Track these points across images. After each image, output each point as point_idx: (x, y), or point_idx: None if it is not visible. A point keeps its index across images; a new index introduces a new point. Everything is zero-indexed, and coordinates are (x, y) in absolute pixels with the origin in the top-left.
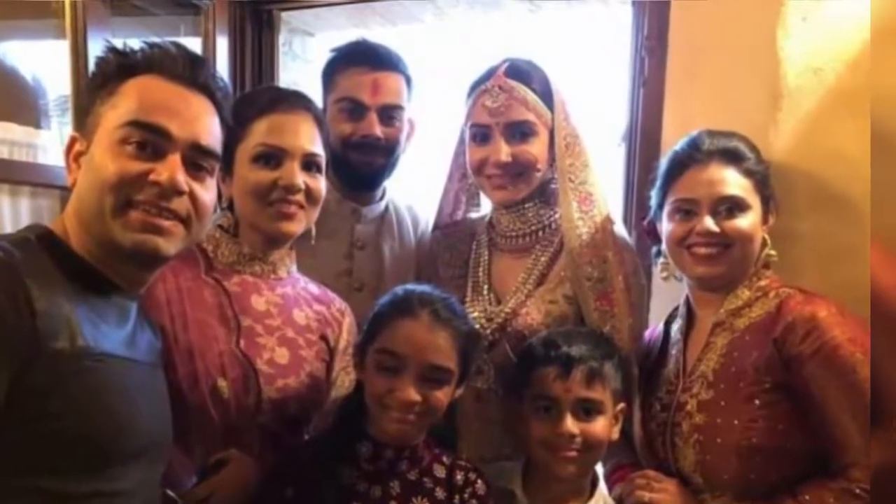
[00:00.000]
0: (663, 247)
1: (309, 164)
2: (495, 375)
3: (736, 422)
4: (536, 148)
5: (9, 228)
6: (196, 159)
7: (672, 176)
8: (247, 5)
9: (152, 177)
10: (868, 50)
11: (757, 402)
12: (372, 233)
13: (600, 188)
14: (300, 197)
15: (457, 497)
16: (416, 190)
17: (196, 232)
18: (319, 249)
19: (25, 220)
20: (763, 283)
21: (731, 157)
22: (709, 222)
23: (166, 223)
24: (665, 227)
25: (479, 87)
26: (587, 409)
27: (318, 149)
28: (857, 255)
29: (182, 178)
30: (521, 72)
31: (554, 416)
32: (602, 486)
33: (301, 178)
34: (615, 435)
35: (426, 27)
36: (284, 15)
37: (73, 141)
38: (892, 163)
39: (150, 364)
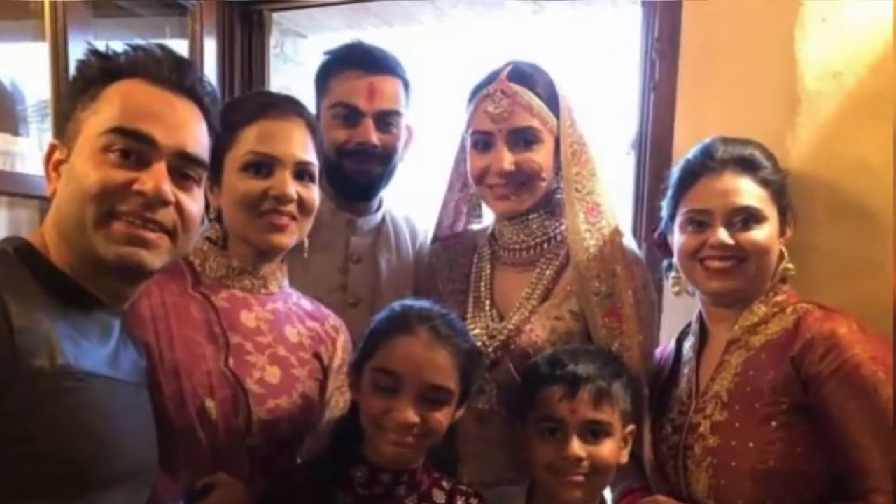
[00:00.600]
0: (675, 260)
1: (301, 172)
2: (498, 396)
3: (751, 444)
4: (541, 156)
5: None
6: (182, 168)
7: (684, 185)
8: (236, 5)
9: (136, 186)
10: (890, 52)
11: (774, 423)
12: (368, 245)
13: (608, 198)
14: (292, 207)
15: None
16: (414, 200)
17: (182, 244)
18: (313, 263)
19: (3, 232)
20: (780, 298)
21: (747, 166)
22: (723, 234)
23: (151, 235)
24: (677, 239)
25: (480, 92)
26: (595, 432)
27: (310, 157)
28: (879, 269)
29: (168, 188)
30: (524, 76)
31: (559, 438)
32: None
33: (293, 188)
34: (624, 458)
35: (425, 28)
36: (276, 15)
37: (52, 149)
38: None
39: (135, 384)
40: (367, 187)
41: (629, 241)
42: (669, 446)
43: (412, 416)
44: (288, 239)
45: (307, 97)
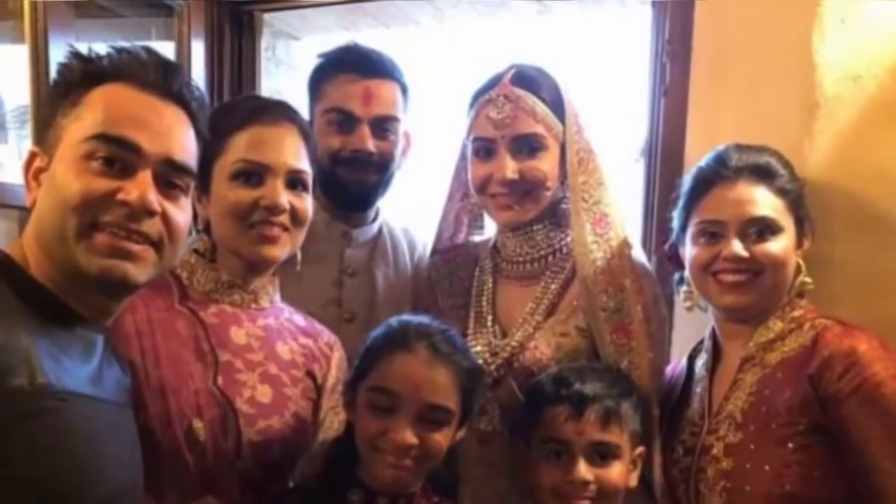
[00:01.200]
0: (686, 273)
1: (294, 181)
2: (500, 416)
3: (767, 467)
4: (546, 164)
5: None
6: (169, 177)
7: (696, 195)
8: (225, 6)
9: (120, 196)
10: None
11: (790, 445)
12: (364, 258)
13: (617, 209)
14: (284, 218)
15: None
16: (412, 211)
17: (169, 257)
18: (306, 276)
19: None
20: (797, 313)
21: (762, 174)
22: (737, 246)
23: (136, 247)
24: (688, 251)
25: (482, 97)
26: (602, 454)
27: (303, 165)
28: None
29: (154, 198)
30: (528, 79)
31: (565, 460)
32: None
33: (285, 198)
34: (633, 482)
35: (423, 30)
36: (267, 16)
37: (32, 156)
38: None
39: (119, 403)
40: (363, 197)
41: (638, 254)
42: (681, 469)
43: (410, 438)
44: (280, 251)
45: (300, 102)
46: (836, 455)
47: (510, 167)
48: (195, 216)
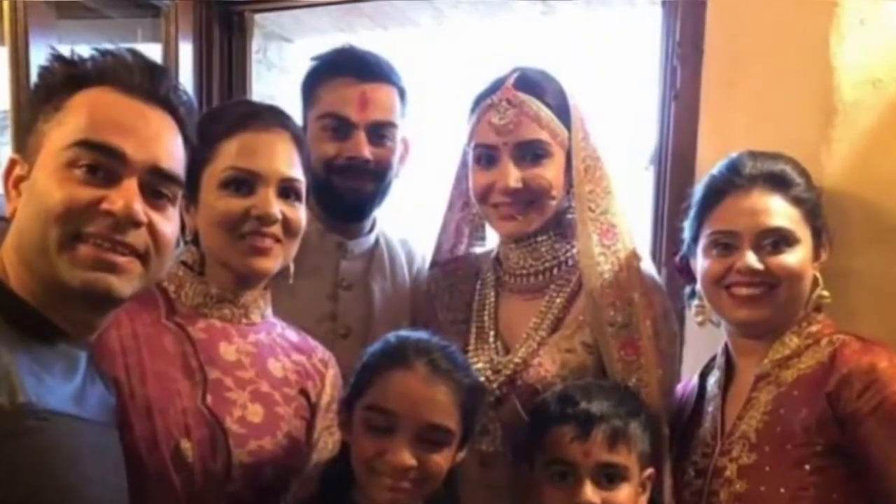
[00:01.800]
0: (698, 287)
1: (286, 190)
2: (503, 436)
3: (783, 490)
4: (551, 172)
5: None
6: (156, 185)
7: (708, 204)
8: (214, 6)
9: (105, 205)
10: None
11: (807, 466)
12: (360, 271)
13: (625, 219)
14: (276, 229)
15: None
16: (410, 221)
17: (155, 270)
18: (299, 290)
19: None
20: (814, 328)
21: (777, 183)
22: (751, 258)
23: (121, 259)
24: (700, 263)
25: (483, 102)
26: (610, 476)
27: (296, 173)
28: None
29: (139, 207)
30: (532, 83)
31: (571, 483)
32: None
33: (277, 207)
34: None
35: (422, 31)
36: (258, 17)
37: (12, 164)
38: None
39: (103, 423)
40: (359, 206)
41: (648, 266)
42: (692, 492)
43: (408, 459)
44: (271, 263)
45: (292, 107)
46: (856, 477)
47: (513, 175)
48: (183, 227)
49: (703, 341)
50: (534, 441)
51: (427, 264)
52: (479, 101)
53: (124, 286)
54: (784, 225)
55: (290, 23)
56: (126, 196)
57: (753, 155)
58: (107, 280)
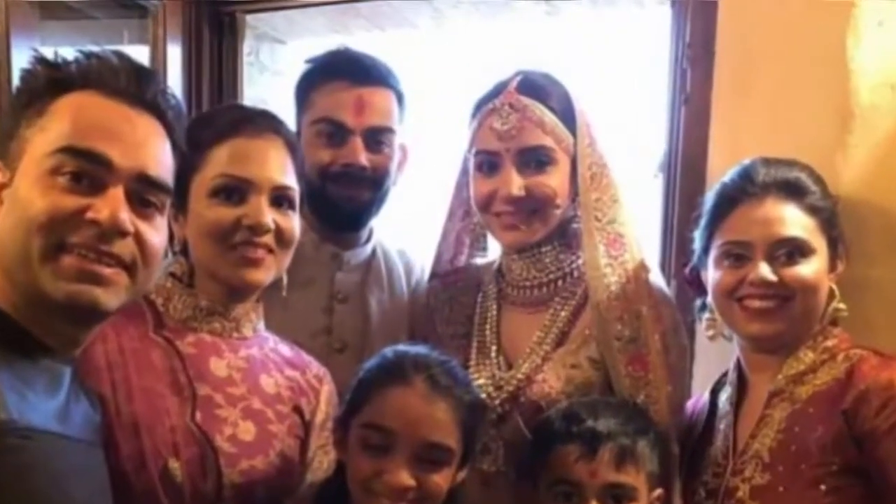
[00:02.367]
0: (709, 299)
1: (279, 199)
2: (505, 455)
3: None
4: (555, 179)
5: None
6: (143, 193)
7: (720, 214)
8: (204, 6)
9: (90, 214)
10: None
11: (823, 487)
12: (356, 283)
13: (633, 228)
14: (269, 239)
15: None
16: (409, 231)
17: (142, 281)
18: (292, 303)
19: None
20: (830, 343)
21: (792, 191)
22: (764, 270)
23: (106, 271)
24: (711, 275)
25: (485, 106)
26: (617, 497)
27: (290, 180)
28: None
29: (126, 217)
30: (536, 87)
31: None
32: None
33: (270, 217)
34: None
35: (421, 33)
36: (250, 18)
37: None
38: None
39: (87, 442)
40: (355, 215)
41: (656, 278)
42: None
43: (407, 479)
44: (264, 275)
45: (286, 111)
46: (873, 498)
47: (516, 183)
48: (171, 237)
49: (714, 356)
50: (537, 460)
51: (426, 276)
52: (480, 105)
53: (110, 299)
54: (799, 235)
55: (283, 24)
56: (112, 205)
57: (767, 162)
58: (92, 292)
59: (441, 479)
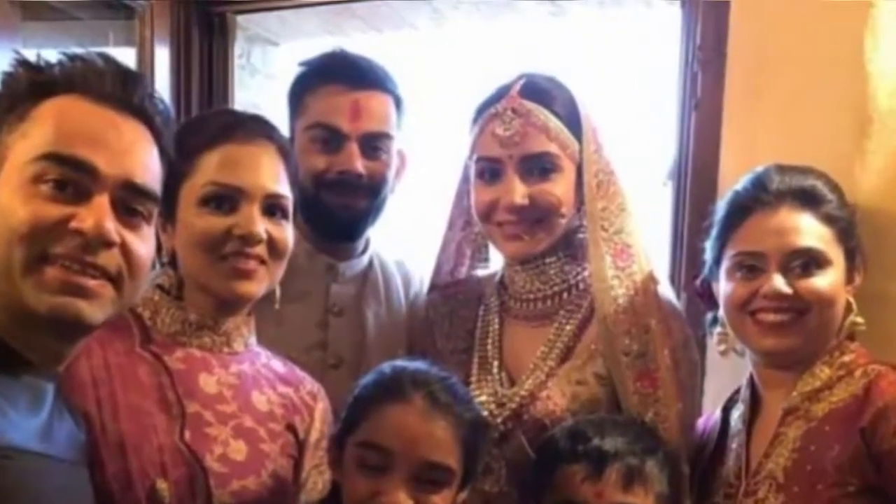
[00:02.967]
0: (721, 313)
1: (272, 207)
2: (508, 475)
3: None
4: (560, 187)
5: None
6: (129, 202)
7: (732, 223)
8: (193, 7)
9: (74, 224)
10: None
11: None
12: (352, 295)
13: (641, 239)
14: (261, 249)
15: None
16: (407, 241)
17: (129, 294)
18: (286, 316)
19: None
20: (847, 358)
21: (807, 200)
22: (779, 282)
23: (91, 283)
24: (723, 287)
25: (487, 111)
26: None
27: (282, 188)
28: None
29: (111, 226)
30: (540, 91)
31: None
32: None
33: (262, 226)
34: None
35: (420, 34)
36: (241, 19)
37: None
38: None
39: (71, 461)
40: (351, 225)
41: (665, 290)
42: None
43: (405, 501)
44: (256, 287)
45: (279, 116)
46: None
47: (519, 191)
48: (159, 247)
49: (726, 372)
50: (541, 481)
51: (425, 288)
52: (481, 110)
53: (95, 312)
54: (814, 245)
55: (276, 25)
56: (97, 214)
57: (781, 169)
58: (76, 305)
59: (441, 501)
